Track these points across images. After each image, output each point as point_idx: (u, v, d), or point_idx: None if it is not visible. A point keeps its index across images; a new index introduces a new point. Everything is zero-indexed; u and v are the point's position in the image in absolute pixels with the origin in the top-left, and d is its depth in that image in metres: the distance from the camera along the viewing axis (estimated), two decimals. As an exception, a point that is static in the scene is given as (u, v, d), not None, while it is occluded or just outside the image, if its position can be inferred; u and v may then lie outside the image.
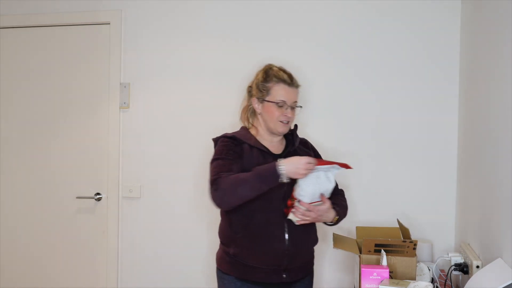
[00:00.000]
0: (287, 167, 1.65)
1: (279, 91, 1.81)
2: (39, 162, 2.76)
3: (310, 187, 1.70)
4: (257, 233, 1.77)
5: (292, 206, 1.73)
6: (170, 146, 2.59)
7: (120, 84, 2.64)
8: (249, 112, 1.92)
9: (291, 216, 1.74)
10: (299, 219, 1.73)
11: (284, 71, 1.87)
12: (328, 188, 1.75)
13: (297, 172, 1.65)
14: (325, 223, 1.85)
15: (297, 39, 2.46)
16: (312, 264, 1.96)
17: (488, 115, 1.80)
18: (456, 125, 2.32)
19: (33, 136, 2.77)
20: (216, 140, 1.87)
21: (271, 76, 1.84)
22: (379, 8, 2.38)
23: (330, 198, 1.82)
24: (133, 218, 2.65)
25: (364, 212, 2.39)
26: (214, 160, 1.79)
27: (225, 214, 1.85)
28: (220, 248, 1.90)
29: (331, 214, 1.78)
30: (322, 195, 1.74)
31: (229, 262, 1.83)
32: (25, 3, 2.75)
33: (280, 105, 1.81)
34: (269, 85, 1.83)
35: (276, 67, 1.88)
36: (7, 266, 2.81)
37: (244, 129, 1.92)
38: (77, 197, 2.71)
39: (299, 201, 1.71)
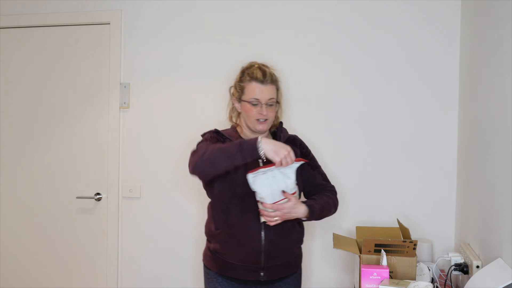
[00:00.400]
0: (268, 145, 1.63)
1: (252, 90, 1.81)
2: (39, 162, 2.77)
3: (266, 188, 1.68)
4: (234, 230, 1.79)
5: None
6: (170, 146, 2.60)
7: (120, 84, 2.64)
8: (233, 112, 1.95)
9: (263, 219, 1.74)
10: (269, 220, 1.72)
11: (261, 68, 1.85)
12: (288, 184, 1.71)
13: (277, 153, 1.62)
14: (300, 219, 1.81)
15: (297, 39, 2.46)
16: (297, 264, 1.94)
17: (488, 115, 1.80)
18: (456, 125, 2.32)
19: (33, 136, 2.78)
20: (203, 134, 1.92)
21: (245, 75, 1.85)
22: (378, 8, 2.38)
23: (313, 194, 1.86)
24: (133, 218, 2.65)
25: (364, 212, 2.39)
26: (198, 144, 1.85)
27: (209, 210, 1.90)
28: (206, 243, 1.95)
29: (301, 209, 1.74)
30: (284, 192, 1.71)
31: (211, 257, 1.88)
32: (25, 3, 2.75)
33: (254, 103, 1.80)
34: (243, 84, 1.85)
35: (257, 64, 1.87)
36: (7, 266, 2.82)
37: (232, 128, 1.95)
38: (77, 197, 2.71)
39: (261, 203, 1.70)
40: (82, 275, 2.72)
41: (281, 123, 1.98)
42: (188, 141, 2.56)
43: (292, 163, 1.67)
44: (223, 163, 1.66)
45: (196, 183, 1.97)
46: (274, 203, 1.69)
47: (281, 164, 1.64)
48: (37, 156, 2.77)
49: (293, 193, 1.74)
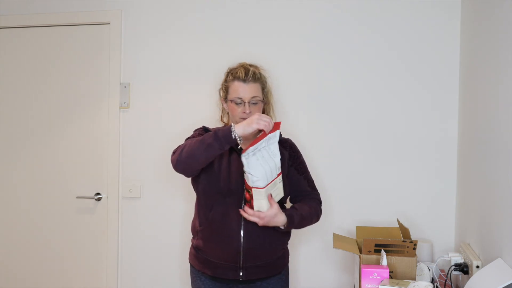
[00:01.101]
0: (240, 126, 1.66)
1: (235, 89, 1.82)
2: (39, 162, 2.77)
3: (260, 170, 1.66)
4: (214, 228, 1.80)
5: (252, 198, 1.70)
6: (170, 146, 2.58)
7: (120, 84, 2.64)
8: (224, 113, 1.99)
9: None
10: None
11: (245, 67, 1.85)
12: (276, 162, 1.71)
13: (250, 124, 1.64)
14: (278, 227, 1.79)
15: (298, 38, 2.46)
16: (281, 265, 1.92)
17: (488, 115, 1.80)
18: (456, 125, 2.32)
19: (33, 136, 2.78)
20: (195, 131, 1.94)
21: (229, 76, 1.88)
22: (378, 8, 2.38)
23: (297, 199, 1.85)
24: (133, 218, 2.65)
25: (364, 212, 2.39)
26: (186, 139, 1.87)
27: (195, 206, 1.92)
28: (191, 240, 1.97)
29: (281, 219, 1.73)
30: (271, 196, 1.71)
31: (194, 255, 1.90)
32: (25, 3, 2.75)
33: (237, 102, 1.81)
34: (227, 84, 1.87)
35: (245, 64, 1.88)
36: (7, 266, 2.82)
37: (223, 126, 1.98)
38: (77, 197, 2.71)
39: (251, 188, 1.67)
40: (82, 275, 2.72)
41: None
42: (188, 141, 2.56)
43: (270, 120, 1.66)
44: (202, 155, 1.67)
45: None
46: (268, 184, 1.67)
47: (265, 127, 1.64)
48: (37, 156, 2.77)
49: (279, 174, 1.73)
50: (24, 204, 2.79)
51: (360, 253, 1.85)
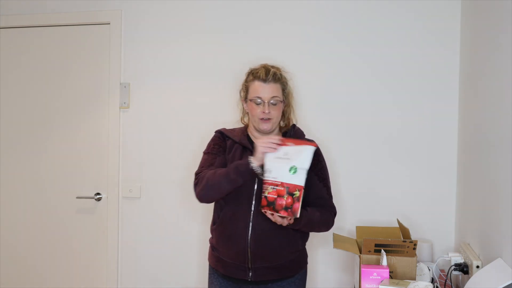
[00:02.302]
0: (255, 157, 1.71)
1: (255, 88, 1.82)
2: (39, 162, 2.77)
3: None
4: (225, 226, 1.82)
5: (298, 200, 1.64)
6: (170, 146, 2.60)
7: (120, 84, 2.64)
8: (245, 114, 1.98)
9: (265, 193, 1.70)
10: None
11: (266, 67, 1.85)
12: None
13: (258, 158, 1.69)
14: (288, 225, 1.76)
15: (296, 37, 2.46)
16: (295, 268, 1.88)
17: (488, 115, 1.80)
18: (456, 125, 2.32)
19: (33, 136, 2.78)
20: (217, 131, 1.97)
21: (249, 75, 1.88)
22: (378, 8, 2.38)
23: (312, 205, 1.80)
24: (133, 218, 2.65)
25: (364, 212, 2.39)
26: (203, 154, 1.93)
27: (214, 206, 1.94)
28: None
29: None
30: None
31: (211, 253, 1.94)
32: (25, 3, 2.75)
33: (257, 102, 1.81)
34: (247, 84, 1.87)
35: (268, 65, 1.87)
36: (7, 266, 2.82)
37: (243, 127, 1.97)
38: (77, 197, 2.71)
39: (303, 188, 1.64)
40: (82, 275, 2.72)
41: (293, 125, 1.96)
42: (188, 140, 2.56)
43: (268, 140, 1.69)
44: (226, 188, 1.75)
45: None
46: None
47: (269, 149, 1.67)
48: (37, 156, 2.77)
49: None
50: (25, 204, 2.79)
51: (360, 253, 1.85)
